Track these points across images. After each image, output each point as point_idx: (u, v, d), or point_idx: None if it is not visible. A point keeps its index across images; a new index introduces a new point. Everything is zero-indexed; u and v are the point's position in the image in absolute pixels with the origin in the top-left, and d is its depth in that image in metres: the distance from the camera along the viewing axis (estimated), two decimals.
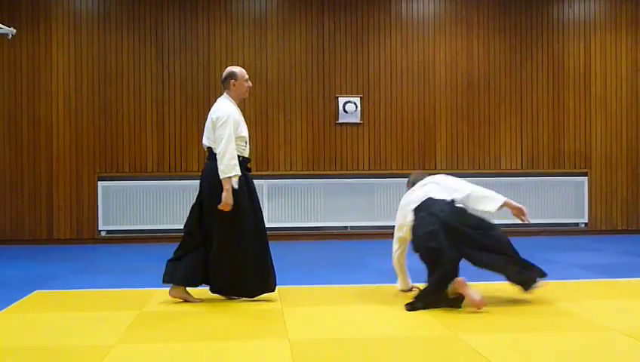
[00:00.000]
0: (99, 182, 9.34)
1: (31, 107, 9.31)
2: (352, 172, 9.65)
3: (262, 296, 5.28)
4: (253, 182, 5.37)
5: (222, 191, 5.04)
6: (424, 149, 9.82)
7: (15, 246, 9.02)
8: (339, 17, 9.75)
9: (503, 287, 5.61)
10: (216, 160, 5.10)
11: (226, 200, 5.04)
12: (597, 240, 9.41)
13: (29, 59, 9.33)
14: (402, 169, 9.75)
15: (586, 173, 10.03)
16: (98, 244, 9.25)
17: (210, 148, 5.24)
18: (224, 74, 5.40)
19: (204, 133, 5.32)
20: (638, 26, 10.15)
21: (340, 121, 9.68)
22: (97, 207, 9.32)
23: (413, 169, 9.70)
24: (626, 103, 10.13)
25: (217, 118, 5.14)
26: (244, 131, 5.28)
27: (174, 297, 5.30)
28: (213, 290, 5.31)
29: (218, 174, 5.07)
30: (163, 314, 4.99)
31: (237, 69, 5.39)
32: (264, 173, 9.35)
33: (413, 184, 5.72)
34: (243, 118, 5.34)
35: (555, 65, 10.05)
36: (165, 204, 9.37)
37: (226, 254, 5.13)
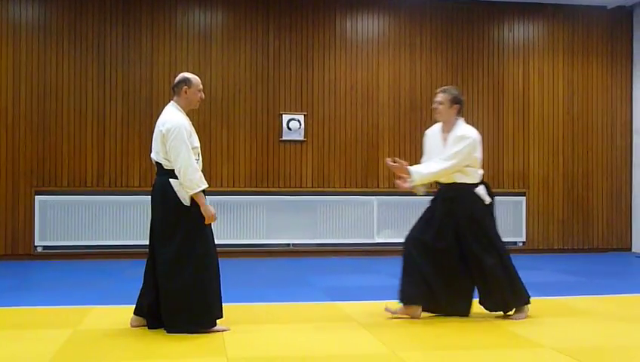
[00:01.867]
0: (36, 196, 9.11)
1: None
2: (295, 189, 9.65)
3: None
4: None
5: (175, 209, 4.76)
6: (367, 168, 9.89)
7: None
8: (284, 35, 9.78)
9: None
10: (166, 175, 4.79)
11: (207, 212, 4.83)
12: (534, 258, 9.60)
13: None
14: (345, 187, 9.81)
15: (524, 193, 10.26)
16: (34, 260, 9.01)
17: (159, 164, 4.87)
18: (177, 79, 5.01)
19: (153, 147, 4.94)
20: (574, 51, 10.48)
21: (284, 138, 9.69)
22: (34, 221, 9.09)
23: (356, 187, 9.80)
24: (563, 126, 10.42)
25: (168, 131, 4.75)
26: (196, 142, 4.91)
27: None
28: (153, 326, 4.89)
29: (170, 190, 4.76)
30: (98, 332, 4.88)
31: (192, 76, 5.01)
32: (207, 189, 9.24)
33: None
34: (193, 128, 4.98)
35: (495, 87, 10.28)
36: (105, 220, 9.20)
37: (177, 280, 4.74)
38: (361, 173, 9.88)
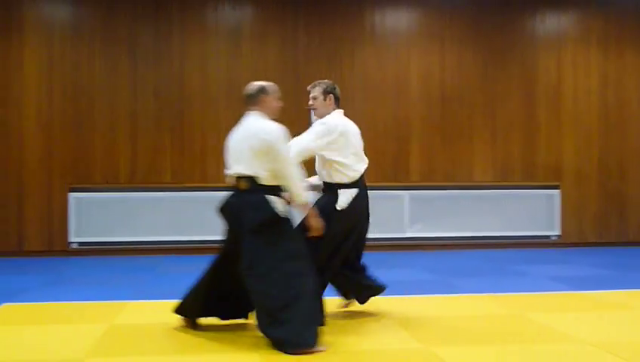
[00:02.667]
0: (70, 194, 9.23)
1: (2, 118, 9.20)
2: None
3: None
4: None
5: (275, 223, 4.44)
6: (397, 162, 9.86)
7: None
8: (313, 30, 9.78)
9: (476, 300, 5.64)
10: (262, 191, 4.44)
11: (318, 224, 4.61)
12: (568, 252, 9.50)
13: (0, 70, 9.22)
14: (376, 181, 9.77)
15: (558, 186, 10.13)
16: (69, 256, 9.14)
17: (250, 178, 4.47)
18: (251, 89, 4.71)
19: (235, 161, 4.58)
20: (608, 41, 10.31)
21: None
22: (69, 218, 9.22)
23: (387, 182, 9.76)
24: (597, 117, 10.27)
25: (277, 138, 4.44)
26: None
27: None
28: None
29: (268, 207, 4.42)
30: (134, 327, 4.94)
31: (267, 84, 4.73)
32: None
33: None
34: None
35: (528, 79, 10.17)
36: (137, 216, 9.29)
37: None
38: (392, 166, 9.84)
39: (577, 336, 4.60)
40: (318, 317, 4.51)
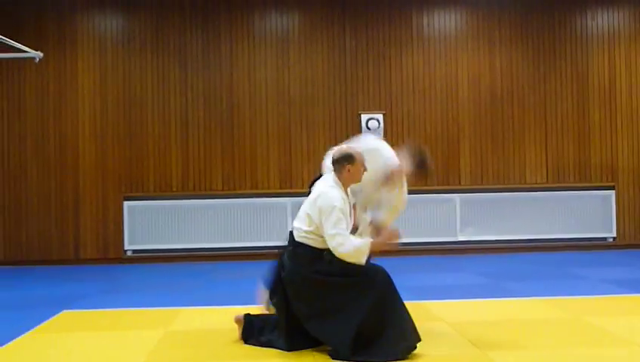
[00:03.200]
0: (125, 202, 9.40)
1: (58, 128, 9.44)
2: None
3: None
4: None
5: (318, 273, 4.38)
6: (448, 165, 9.77)
7: (42, 267, 9.10)
8: (360, 34, 9.77)
9: (531, 304, 5.55)
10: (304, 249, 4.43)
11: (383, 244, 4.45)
12: (625, 254, 9.28)
13: (55, 82, 9.47)
14: (426, 185, 9.70)
15: (613, 186, 9.91)
16: (124, 264, 9.30)
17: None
18: (336, 155, 4.54)
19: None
20: None
21: None
22: (123, 226, 9.39)
23: (438, 185, 9.68)
24: None
25: (323, 206, 4.34)
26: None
27: None
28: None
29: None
30: (189, 333, 5.00)
31: (356, 153, 4.51)
32: (288, 190, 9.37)
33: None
34: (349, 205, 4.55)
35: (580, 78, 9.98)
36: (190, 223, 9.41)
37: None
38: (443, 170, 9.76)
39: (635, 340, 4.49)
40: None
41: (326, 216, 4.31)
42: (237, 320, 4.78)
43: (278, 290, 4.51)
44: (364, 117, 9.68)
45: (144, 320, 5.54)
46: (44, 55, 8.37)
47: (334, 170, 4.55)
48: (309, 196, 4.59)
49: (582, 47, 10.01)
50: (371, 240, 4.44)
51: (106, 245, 9.40)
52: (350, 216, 4.52)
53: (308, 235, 4.43)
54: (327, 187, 4.48)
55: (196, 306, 6.08)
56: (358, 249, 4.29)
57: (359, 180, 4.57)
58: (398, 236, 4.42)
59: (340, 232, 4.29)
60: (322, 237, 4.40)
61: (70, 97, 9.46)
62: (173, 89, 9.57)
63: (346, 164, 4.49)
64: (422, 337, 4.25)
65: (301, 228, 4.46)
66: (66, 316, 5.73)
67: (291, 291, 4.42)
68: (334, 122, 9.72)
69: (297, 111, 9.63)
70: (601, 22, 10.06)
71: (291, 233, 4.57)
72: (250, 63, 9.65)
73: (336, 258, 4.34)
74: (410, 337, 4.24)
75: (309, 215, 4.45)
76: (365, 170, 4.54)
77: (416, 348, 4.22)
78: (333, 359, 4.21)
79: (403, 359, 4.14)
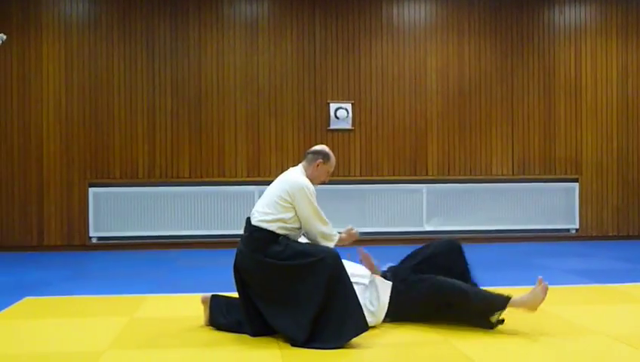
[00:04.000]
0: (90, 189, 9.29)
1: (21, 113, 9.26)
2: (343, 178, 9.64)
3: None
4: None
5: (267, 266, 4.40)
6: (415, 155, 9.83)
7: (5, 253, 8.96)
8: (330, 23, 9.76)
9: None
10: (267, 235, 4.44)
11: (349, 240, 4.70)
12: (588, 245, 9.44)
13: (19, 66, 9.29)
14: (394, 175, 9.76)
15: (577, 179, 10.06)
16: (89, 251, 9.20)
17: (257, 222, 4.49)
18: (316, 148, 4.72)
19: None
20: (628, 31, 10.21)
21: (332, 127, 9.68)
22: (88, 213, 9.28)
23: (405, 175, 9.74)
24: (617, 109, 10.18)
25: (296, 190, 4.44)
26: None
27: None
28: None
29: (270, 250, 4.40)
30: (154, 320, 4.97)
31: (332, 154, 4.71)
32: (255, 179, 9.34)
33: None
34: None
35: (546, 72, 10.09)
36: (156, 211, 9.33)
37: None
38: (410, 161, 9.81)
39: (598, 329, 4.57)
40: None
41: (305, 203, 4.42)
42: (203, 300, 4.77)
43: (236, 277, 4.52)
44: (332, 106, 9.68)
45: (109, 307, 5.50)
46: (8, 37, 8.23)
47: (306, 160, 4.66)
48: (276, 183, 4.63)
49: (549, 40, 10.12)
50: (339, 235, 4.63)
51: (70, 232, 9.29)
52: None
53: (271, 223, 4.44)
54: (297, 174, 4.58)
55: (162, 294, 6.05)
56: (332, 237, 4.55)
57: (320, 182, 4.67)
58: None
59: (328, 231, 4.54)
60: (288, 224, 4.45)
61: (34, 82, 9.30)
62: (140, 75, 9.46)
63: (319, 158, 4.62)
64: (386, 326, 4.26)
65: (266, 212, 4.47)
66: (28, 302, 5.66)
67: (247, 277, 4.45)
68: (303, 111, 9.70)
69: (266, 100, 9.59)
70: (569, 16, 10.17)
71: (249, 219, 4.57)
72: (218, 51, 9.57)
73: (291, 241, 4.45)
74: (361, 322, 4.26)
75: (277, 202, 4.47)
76: (329, 176, 4.70)
77: (367, 330, 4.26)
78: (292, 346, 4.23)
79: (347, 342, 4.19)
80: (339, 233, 4.65)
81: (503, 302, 4.52)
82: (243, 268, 4.46)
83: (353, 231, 4.75)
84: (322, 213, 4.52)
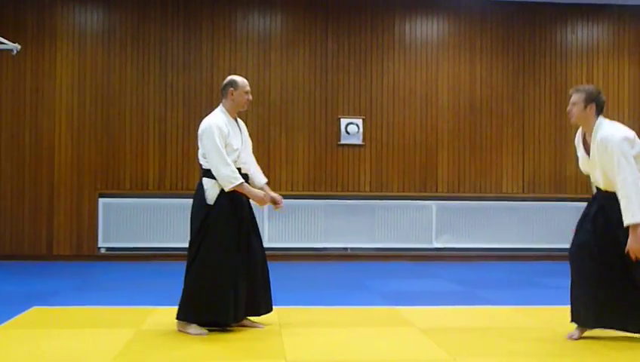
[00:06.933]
0: (100, 199, 9.32)
1: (34, 122, 9.33)
2: (353, 193, 9.63)
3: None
4: (247, 203, 5.03)
5: (198, 208, 4.89)
6: (425, 172, 9.81)
7: (14, 262, 8.99)
8: (342, 39, 9.79)
9: (503, 312, 5.57)
10: (202, 175, 4.94)
11: (256, 197, 4.97)
12: None
13: (32, 75, 9.36)
14: (403, 191, 9.75)
15: (588, 198, 9.98)
16: (98, 261, 9.22)
17: (200, 164, 5.02)
18: (225, 81, 5.07)
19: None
20: None
21: (342, 142, 9.69)
22: (98, 223, 9.30)
23: (414, 191, 9.72)
24: (630, 128, 10.11)
25: (201, 131, 4.90)
26: (235, 142, 4.92)
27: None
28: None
29: (200, 189, 4.90)
30: (160, 332, 4.96)
31: (239, 78, 5.06)
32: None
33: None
34: (239, 129, 5.06)
35: (558, 90, 10.07)
36: (166, 222, 9.35)
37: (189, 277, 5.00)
38: (420, 177, 9.80)
39: (602, 351, 4.52)
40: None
41: (207, 137, 4.82)
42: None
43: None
44: (343, 121, 9.69)
45: (116, 318, 5.49)
46: (22, 47, 8.31)
47: (222, 97, 5.02)
48: None
49: (561, 59, 10.11)
50: (249, 187, 4.93)
51: (79, 242, 9.31)
52: (242, 138, 5.02)
53: (204, 163, 4.91)
54: (208, 117, 4.95)
55: (169, 306, 6.03)
56: (233, 174, 4.78)
57: (244, 106, 5.03)
58: (266, 202, 5.08)
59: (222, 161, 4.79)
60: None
61: (47, 91, 9.37)
62: (153, 86, 9.52)
63: (230, 88, 4.97)
64: (392, 341, 4.23)
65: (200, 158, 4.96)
66: (36, 312, 5.66)
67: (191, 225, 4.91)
68: (313, 126, 9.72)
69: (277, 114, 9.62)
70: (581, 35, 10.17)
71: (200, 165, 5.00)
72: (231, 63, 9.61)
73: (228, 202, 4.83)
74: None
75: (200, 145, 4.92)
76: (248, 95, 5.01)
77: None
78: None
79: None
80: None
81: None
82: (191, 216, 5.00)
83: (273, 195, 5.20)
84: (224, 152, 4.78)
